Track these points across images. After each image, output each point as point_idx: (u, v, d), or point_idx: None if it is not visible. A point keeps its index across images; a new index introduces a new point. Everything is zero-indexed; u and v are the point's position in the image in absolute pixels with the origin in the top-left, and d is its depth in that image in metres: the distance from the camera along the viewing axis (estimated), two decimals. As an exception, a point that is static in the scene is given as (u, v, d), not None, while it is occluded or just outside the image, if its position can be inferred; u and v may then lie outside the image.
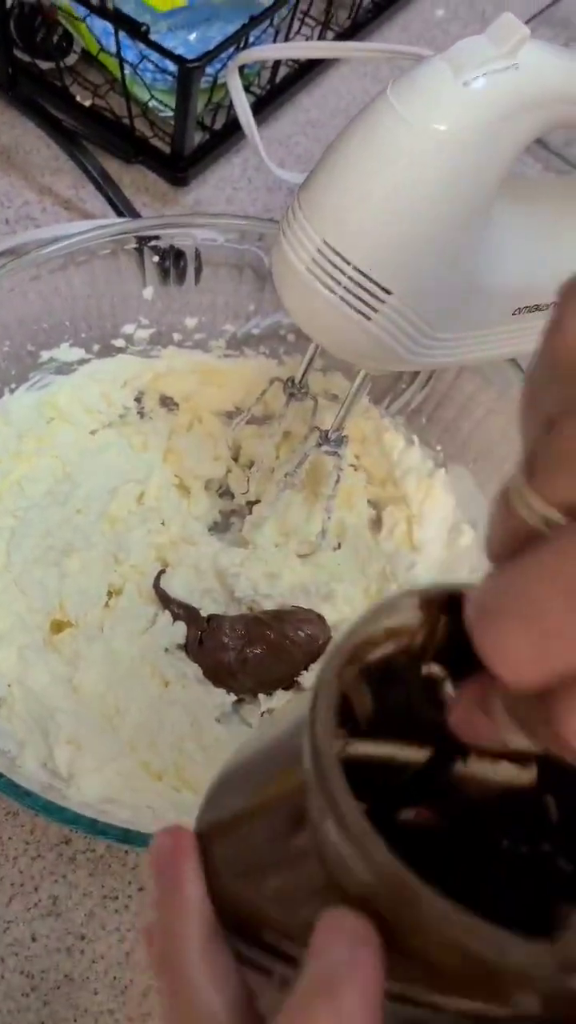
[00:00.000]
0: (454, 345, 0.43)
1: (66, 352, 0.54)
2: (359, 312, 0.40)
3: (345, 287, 0.39)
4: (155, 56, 0.59)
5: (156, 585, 0.51)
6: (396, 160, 0.37)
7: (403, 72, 0.38)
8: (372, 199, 0.38)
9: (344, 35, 0.76)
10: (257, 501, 0.56)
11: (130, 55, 0.61)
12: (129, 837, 0.38)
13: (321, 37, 0.72)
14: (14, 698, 0.45)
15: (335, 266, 0.39)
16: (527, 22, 0.82)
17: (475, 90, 0.36)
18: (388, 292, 0.39)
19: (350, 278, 0.39)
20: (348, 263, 0.39)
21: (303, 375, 0.51)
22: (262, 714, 0.50)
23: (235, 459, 0.58)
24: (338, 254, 0.39)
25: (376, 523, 0.56)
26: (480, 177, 0.38)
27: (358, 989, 0.18)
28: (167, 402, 0.58)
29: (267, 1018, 0.22)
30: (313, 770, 0.19)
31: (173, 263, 0.55)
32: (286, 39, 0.67)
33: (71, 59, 0.69)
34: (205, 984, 0.22)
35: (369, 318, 0.40)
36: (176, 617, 0.50)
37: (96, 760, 0.44)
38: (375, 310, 0.40)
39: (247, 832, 0.23)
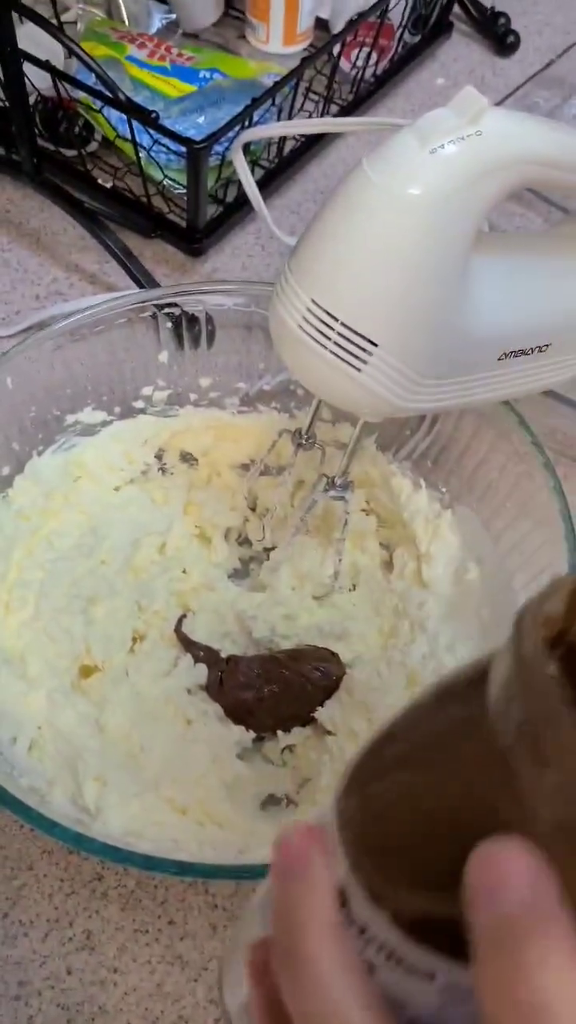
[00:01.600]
0: (443, 391, 0.46)
1: (89, 415, 0.58)
2: (349, 364, 0.43)
3: (335, 341, 0.42)
4: (167, 140, 0.64)
5: (178, 629, 0.54)
6: (373, 224, 0.40)
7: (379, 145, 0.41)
8: (354, 260, 0.41)
9: (347, 108, 0.80)
10: (274, 547, 0.59)
11: (144, 139, 0.66)
12: (151, 864, 0.40)
13: (324, 111, 0.76)
14: (44, 739, 0.48)
15: (324, 323, 0.42)
16: (523, 84, 0.86)
17: (442, 157, 0.40)
18: (375, 344, 0.42)
19: (338, 333, 0.42)
20: (336, 319, 0.42)
21: (309, 426, 0.54)
22: (282, 751, 0.52)
23: (252, 508, 0.61)
24: (326, 311, 0.42)
25: (388, 564, 0.59)
26: (453, 235, 0.41)
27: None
28: (186, 457, 0.61)
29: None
30: (540, 695, 0.18)
31: (187, 328, 0.59)
32: (290, 116, 0.72)
33: (92, 146, 0.74)
34: (336, 973, 0.22)
35: (359, 369, 0.43)
36: (197, 659, 0.53)
37: (122, 796, 0.46)
38: (364, 361, 0.43)
39: (421, 791, 0.22)
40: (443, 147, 0.40)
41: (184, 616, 0.54)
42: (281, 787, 0.51)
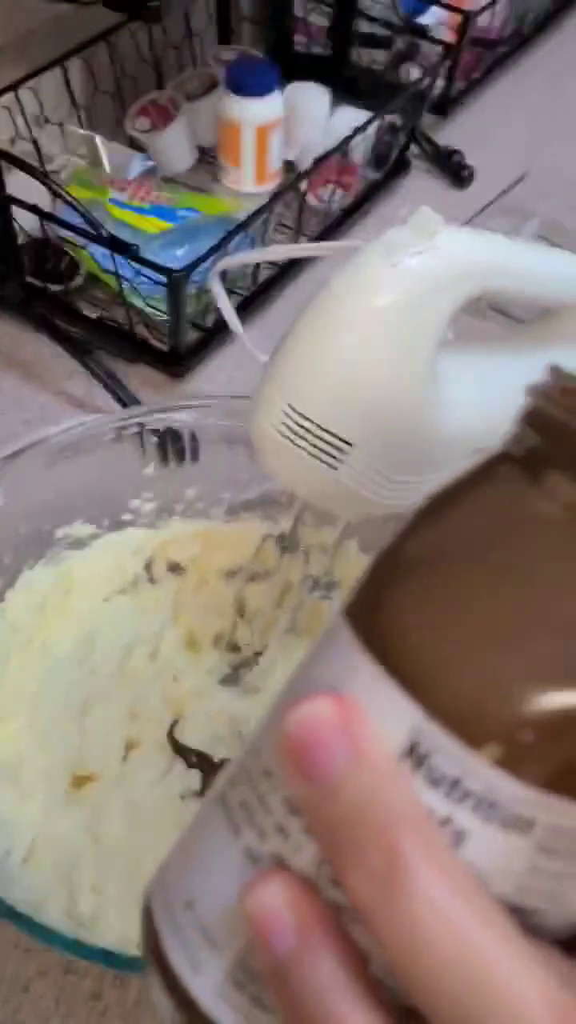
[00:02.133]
0: (418, 488, 0.48)
1: (79, 528, 0.60)
2: (326, 463, 0.45)
3: (311, 443, 0.45)
4: (148, 271, 0.68)
5: (170, 735, 0.54)
6: (339, 334, 0.43)
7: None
8: (325, 367, 0.44)
9: (316, 239, 0.86)
10: (262, 651, 0.60)
11: (127, 272, 0.70)
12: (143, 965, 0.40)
13: (295, 242, 0.81)
14: (39, 850, 0.48)
15: (300, 425, 0.45)
16: (480, 211, 0.92)
17: (403, 269, 0.43)
18: (349, 444, 0.44)
19: (314, 435, 0.44)
20: (311, 421, 0.44)
21: (292, 530, 0.56)
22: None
23: (240, 614, 0.62)
24: (301, 415, 0.44)
25: (377, 663, 0.59)
26: (418, 341, 0.44)
27: None
28: (174, 567, 0.63)
29: None
30: None
31: (171, 443, 0.62)
32: (263, 246, 0.76)
33: (77, 281, 0.79)
34: (449, 885, 0.17)
35: (336, 468, 0.45)
36: (191, 765, 0.53)
37: (119, 905, 0.46)
38: (340, 460, 0.45)
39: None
40: (403, 261, 0.43)
41: (176, 722, 0.55)
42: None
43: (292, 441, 0.45)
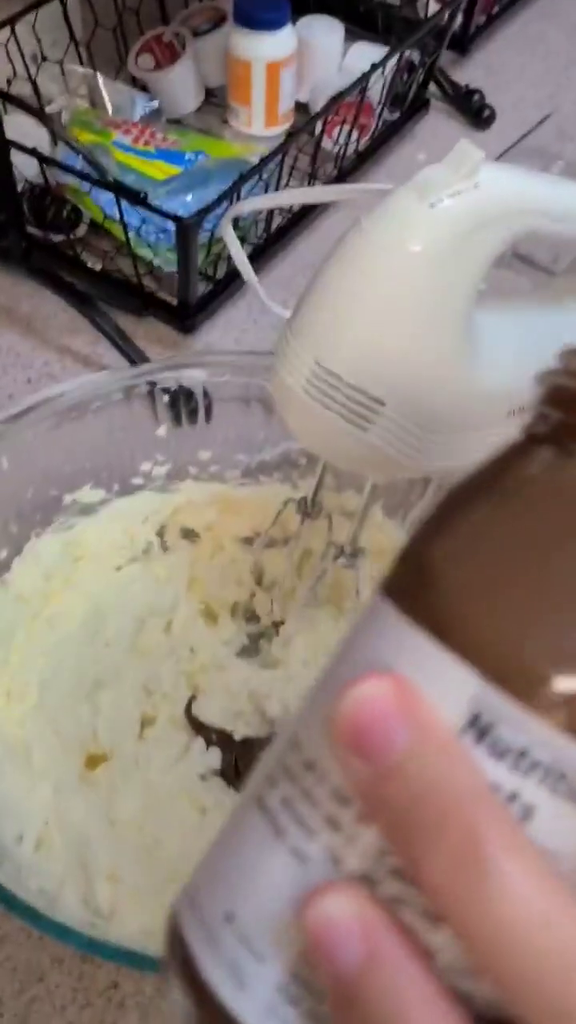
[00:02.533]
0: (452, 448, 0.45)
1: (88, 494, 0.56)
2: (355, 424, 0.41)
3: (340, 403, 0.41)
4: (156, 218, 0.64)
5: (188, 712, 0.51)
6: (373, 281, 0.40)
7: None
8: (356, 319, 0.40)
9: (331, 184, 0.81)
10: (282, 621, 0.57)
11: (133, 220, 0.66)
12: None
13: (308, 187, 0.77)
14: (52, 835, 0.45)
15: (329, 383, 0.41)
16: (503, 154, 0.87)
17: (441, 210, 0.39)
18: (381, 403, 0.41)
19: (344, 394, 0.41)
20: (341, 379, 0.41)
21: (315, 494, 0.52)
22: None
23: (258, 583, 0.59)
24: (330, 372, 0.41)
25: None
26: (455, 289, 0.40)
27: None
28: (188, 533, 0.59)
29: None
30: None
31: (184, 403, 0.58)
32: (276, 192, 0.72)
33: (81, 231, 0.74)
34: (532, 867, 0.16)
35: (366, 429, 0.42)
36: (210, 743, 0.50)
37: (137, 894, 0.43)
38: (371, 421, 0.41)
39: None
40: (441, 201, 0.39)
41: (194, 698, 0.52)
42: (305, 876, 0.48)
43: (319, 400, 0.41)
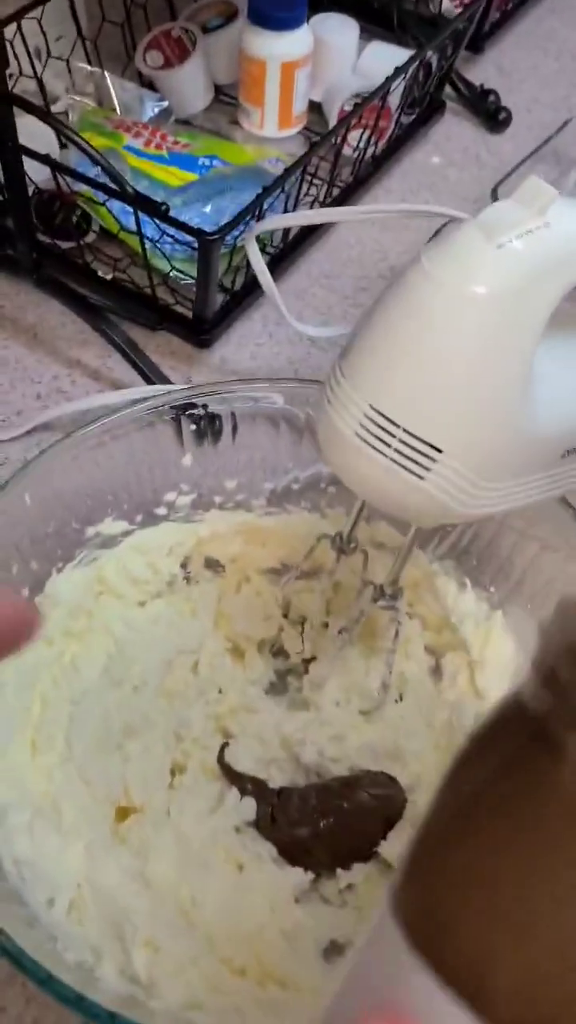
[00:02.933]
0: (506, 493, 0.43)
1: (110, 526, 0.54)
2: (411, 472, 0.39)
3: (396, 449, 0.39)
4: (176, 232, 0.61)
5: (221, 760, 0.49)
6: (435, 324, 0.37)
7: (436, 238, 0.39)
8: (415, 362, 0.38)
9: (348, 189, 0.79)
10: (313, 658, 0.55)
11: (148, 230, 0.63)
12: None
13: (328, 194, 0.74)
14: (84, 899, 0.43)
15: (383, 429, 0.39)
16: (523, 161, 0.85)
17: (509, 251, 0.37)
18: (439, 451, 0.39)
19: (400, 440, 0.39)
20: (397, 425, 0.39)
21: (351, 531, 0.50)
22: (340, 891, 0.47)
23: (285, 615, 0.56)
24: (386, 417, 0.39)
25: (436, 671, 0.55)
26: (520, 334, 0.38)
27: None
28: (213, 565, 0.57)
29: None
30: None
31: (208, 424, 0.55)
32: (296, 201, 0.69)
33: (90, 237, 0.71)
34: None
35: (422, 477, 0.39)
36: (244, 792, 0.48)
37: (176, 962, 0.41)
38: (427, 469, 0.39)
39: None
40: (510, 242, 0.37)
41: (226, 744, 0.50)
42: (344, 931, 0.47)
43: (371, 445, 0.39)
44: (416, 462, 0.39)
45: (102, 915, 0.42)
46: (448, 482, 0.40)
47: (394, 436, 0.39)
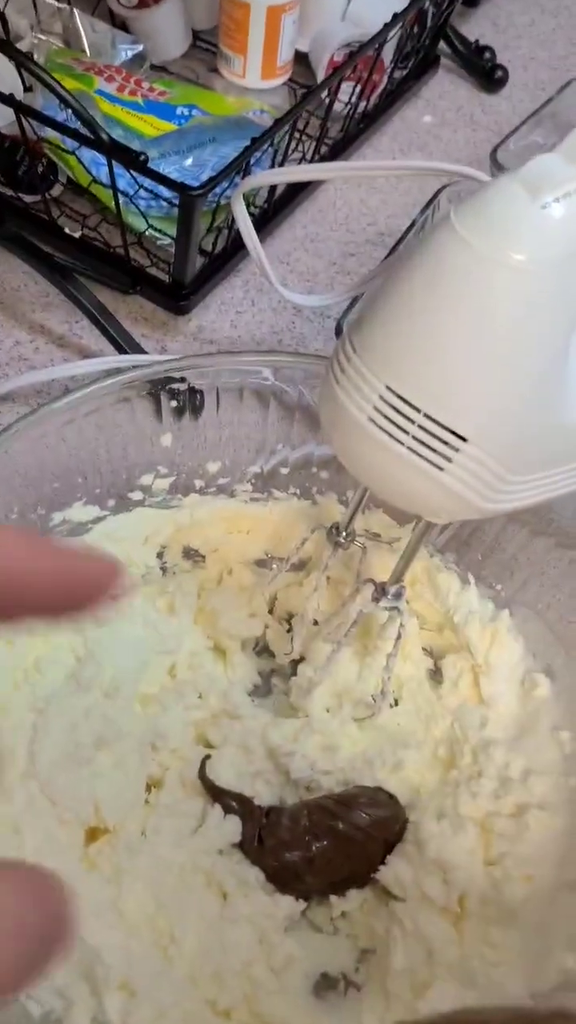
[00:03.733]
0: (531, 487, 0.38)
1: (79, 511, 0.49)
2: (430, 463, 0.35)
3: (414, 436, 0.34)
4: (149, 183, 0.55)
5: (202, 775, 0.44)
6: (467, 295, 0.32)
7: (467, 195, 0.34)
8: (441, 339, 0.33)
9: (336, 147, 0.73)
10: (301, 659, 0.50)
11: (122, 184, 0.57)
12: None
13: (316, 151, 0.69)
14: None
15: (402, 414, 0.34)
16: (523, 123, 0.79)
17: (555, 213, 0.32)
18: (463, 439, 0.34)
19: (420, 426, 0.34)
20: (417, 410, 0.34)
21: (349, 522, 0.46)
22: (332, 918, 0.43)
23: (271, 612, 0.52)
24: (404, 400, 0.34)
25: (435, 673, 0.50)
26: (561, 309, 0.33)
27: None
28: (192, 555, 0.52)
29: None
30: None
31: (189, 400, 0.50)
32: (284, 157, 0.64)
33: (56, 190, 0.65)
34: None
35: (442, 468, 0.35)
36: (228, 811, 0.43)
37: (154, 1006, 0.37)
38: (449, 459, 0.35)
39: None
40: (557, 201, 0.32)
41: (208, 757, 0.45)
42: (336, 963, 0.42)
43: (389, 433, 0.34)
44: (437, 451, 0.34)
45: (71, 956, 0.38)
46: (471, 474, 0.35)
47: (413, 422, 0.34)
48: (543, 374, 0.35)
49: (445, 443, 0.34)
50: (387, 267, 0.37)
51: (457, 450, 0.35)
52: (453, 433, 0.34)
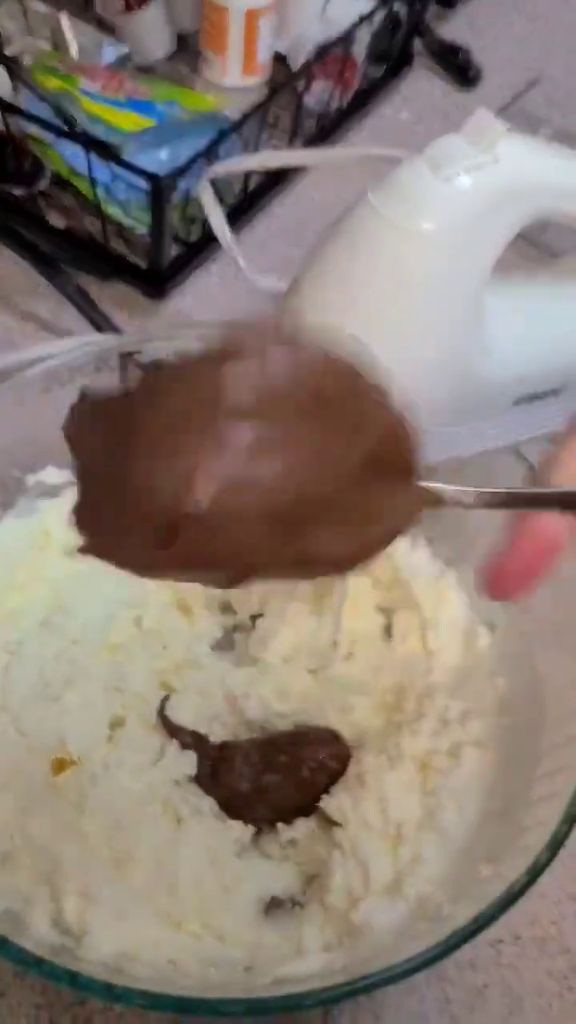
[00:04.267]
0: (457, 438, 0.42)
1: (52, 474, 0.52)
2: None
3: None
4: (127, 175, 0.59)
5: (162, 713, 0.48)
6: (382, 260, 0.36)
7: (382, 174, 0.37)
8: (361, 300, 0.37)
9: (312, 143, 0.77)
10: (260, 614, 0.54)
11: (102, 175, 0.61)
12: (150, 1003, 0.35)
13: (290, 146, 0.73)
14: (18, 850, 0.42)
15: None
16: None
17: (457, 186, 0.36)
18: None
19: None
20: (341, 365, 0.37)
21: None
22: (283, 846, 0.47)
23: (235, 572, 0.55)
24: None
25: (387, 630, 0.54)
26: (468, 272, 0.37)
27: None
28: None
29: None
30: None
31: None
32: (256, 150, 0.68)
33: (42, 184, 0.69)
34: None
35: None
36: (185, 746, 0.47)
37: (109, 912, 0.40)
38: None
39: None
40: (458, 176, 0.36)
41: (168, 698, 0.49)
42: (285, 887, 0.46)
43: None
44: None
45: (35, 865, 0.41)
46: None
47: (338, 377, 0.38)
48: (455, 331, 0.38)
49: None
50: (321, 238, 0.40)
51: (380, 402, 0.38)
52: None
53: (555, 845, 0.38)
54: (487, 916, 0.36)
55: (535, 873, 0.37)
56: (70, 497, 0.53)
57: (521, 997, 0.46)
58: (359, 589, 0.54)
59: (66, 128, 0.57)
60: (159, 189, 0.57)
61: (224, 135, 0.60)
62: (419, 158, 0.36)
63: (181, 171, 0.57)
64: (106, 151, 0.57)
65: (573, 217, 0.41)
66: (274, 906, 0.45)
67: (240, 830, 0.46)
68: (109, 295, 0.69)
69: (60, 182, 0.69)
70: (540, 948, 0.47)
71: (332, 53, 0.68)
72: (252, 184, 0.72)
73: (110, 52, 0.76)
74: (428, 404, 0.39)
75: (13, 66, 0.58)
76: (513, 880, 0.37)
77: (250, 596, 0.54)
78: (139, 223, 0.65)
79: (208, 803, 0.46)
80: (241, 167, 0.61)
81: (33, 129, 0.61)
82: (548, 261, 0.74)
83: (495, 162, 0.36)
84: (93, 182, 0.61)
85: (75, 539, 0.53)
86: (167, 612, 0.53)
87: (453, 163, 0.36)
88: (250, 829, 0.46)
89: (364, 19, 0.69)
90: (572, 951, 0.47)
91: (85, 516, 0.31)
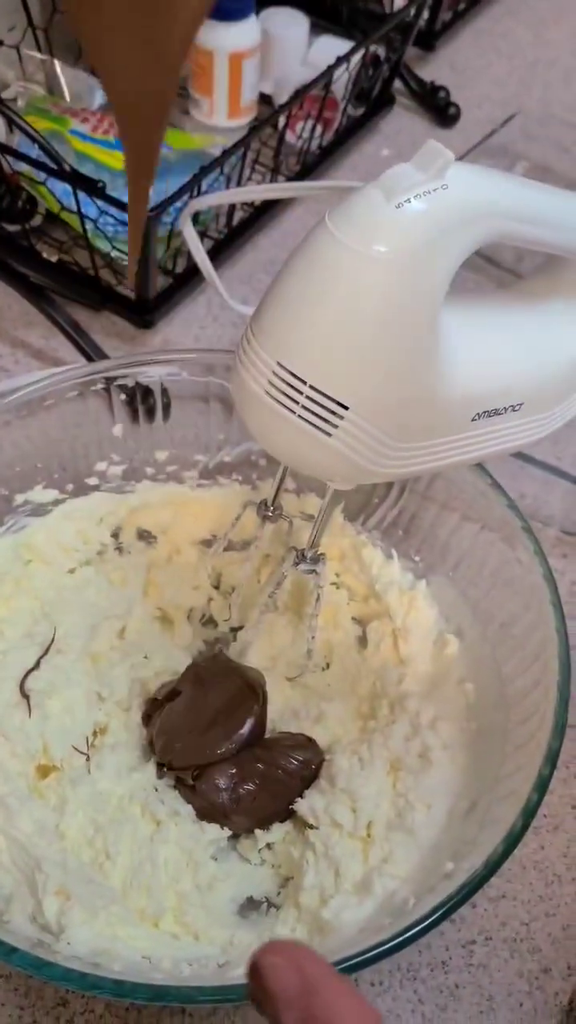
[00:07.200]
0: (416, 455, 0.44)
1: (40, 494, 0.55)
2: (318, 428, 0.40)
3: (303, 406, 0.40)
4: (114, 210, 0.62)
5: (145, 720, 0.50)
6: (339, 283, 0.38)
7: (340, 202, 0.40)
8: (320, 321, 0.39)
9: (294, 179, 0.80)
10: (241, 627, 0.55)
11: (91, 211, 0.64)
12: (122, 990, 0.36)
13: (272, 182, 0.76)
14: (0, 850, 0.44)
15: (291, 386, 0.40)
16: (468, 153, 0.86)
17: (408, 211, 0.38)
18: (345, 407, 0.40)
19: (307, 396, 0.40)
20: (304, 382, 0.40)
21: (275, 496, 0.51)
22: (260, 850, 0.48)
23: (216, 587, 0.57)
24: (292, 374, 0.40)
25: (362, 640, 0.56)
26: (422, 293, 0.39)
27: None
28: (144, 535, 0.58)
29: None
30: None
31: (141, 401, 0.56)
32: (239, 185, 0.71)
33: (36, 220, 0.72)
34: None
35: (329, 434, 0.40)
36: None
37: (87, 910, 0.42)
38: (334, 425, 0.40)
39: None
40: (408, 202, 0.38)
41: (150, 703, 0.50)
42: (260, 888, 0.47)
43: (281, 403, 0.40)
44: (323, 419, 0.40)
45: (16, 864, 0.43)
46: (356, 440, 0.41)
47: (301, 393, 0.40)
48: (412, 351, 0.40)
49: (330, 411, 0.40)
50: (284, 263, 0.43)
51: (341, 417, 0.40)
52: (335, 402, 0.40)
53: (511, 840, 0.39)
54: (445, 908, 0.38)
55: (492, 867, 0.39)
56: (58, 514, 0.55)
57: (492, 997, 0.47)
58: (336, 601, 0.56)
59: (54, 166, 0.60)
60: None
61: (206, 171, 0.63)
62: (373, 185, 0.39)
63: (165, 205, 0.60)
64: (92, 187, 0.60)
65: (525, 239, 0.43)
66: (249, 907, 0.47)
67: (217, 833, 0.47)
68: (99, 325, 0.72)
69: (52, 218, 0.72)
70: (511, 949, 0.49)
71: (312, 93, 0.71)
72: (236, 219, 0.74)
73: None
74: (389, 421, 0.41)
75: (5, 108, 0.61)
76: (470, 874, 0.39)
77: (231, 610, 0.56)
78: (126, 255, 0.67)
79: (186, 808, 0.47)
80: (220, 200, 0.64)
81: (24, 168, 0.64)
82: (510, 281, 0.77)
83: (445, 188, 0.39)
84: (82, 217, 0.64)
85: (64, 559, 0.55)
86: (149, 624, 0.54)
87: (404, 189, 0.38)
88: (226, 832, 0.47)
89: (341, 60, 0.72)
90: (543, 951, 0.49)
91: None
